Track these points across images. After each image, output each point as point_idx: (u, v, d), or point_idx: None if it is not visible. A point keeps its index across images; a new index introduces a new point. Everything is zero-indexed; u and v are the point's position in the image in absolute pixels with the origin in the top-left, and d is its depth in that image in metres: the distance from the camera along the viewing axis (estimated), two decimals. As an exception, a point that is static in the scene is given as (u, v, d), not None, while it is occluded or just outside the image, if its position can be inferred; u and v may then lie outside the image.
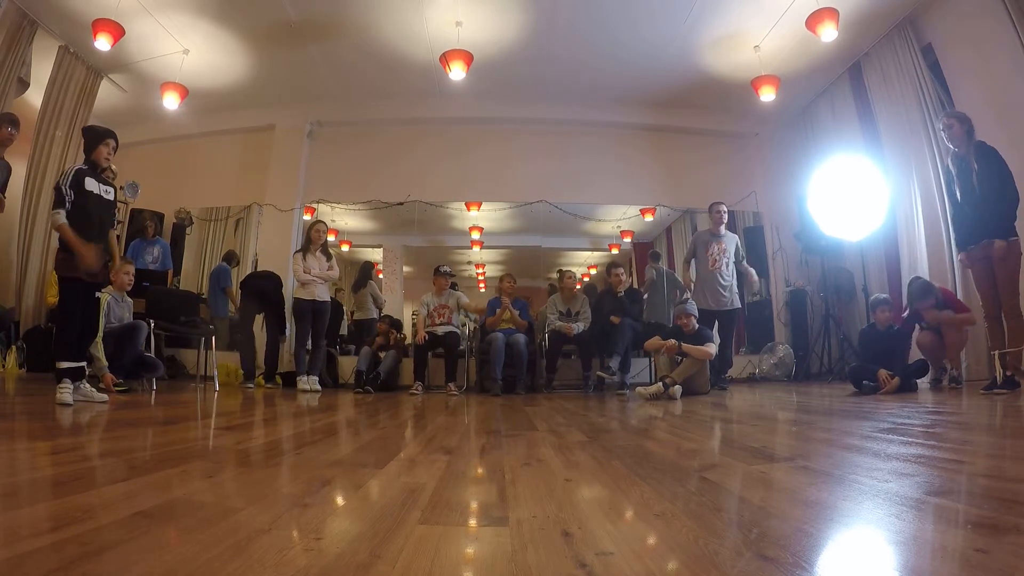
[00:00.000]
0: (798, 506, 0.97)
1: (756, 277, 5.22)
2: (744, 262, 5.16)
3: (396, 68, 6.07)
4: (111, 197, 3.16)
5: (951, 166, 3.58)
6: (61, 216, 2.90)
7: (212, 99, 6.51)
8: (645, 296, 6.15)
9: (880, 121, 5.49)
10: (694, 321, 4.39)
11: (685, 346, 4.16)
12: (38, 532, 0.78)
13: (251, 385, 5.27)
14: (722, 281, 5.00)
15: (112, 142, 3.13)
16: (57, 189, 2.97)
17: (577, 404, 3.71)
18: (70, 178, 2.96)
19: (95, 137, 3.12)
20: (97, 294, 3.15)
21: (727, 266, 5.04)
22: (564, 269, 5.58)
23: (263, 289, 5.46)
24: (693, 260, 5.22)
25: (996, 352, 3.30)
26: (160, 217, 6.68)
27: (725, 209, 5.11)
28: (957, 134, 3.44)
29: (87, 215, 2.98)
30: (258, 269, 6.28)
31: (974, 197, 3.37)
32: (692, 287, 5.20)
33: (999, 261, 3.26)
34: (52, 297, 5.13)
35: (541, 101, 6.72)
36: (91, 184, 3.02)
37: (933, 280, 4.33)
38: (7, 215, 5.13)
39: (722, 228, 5.10)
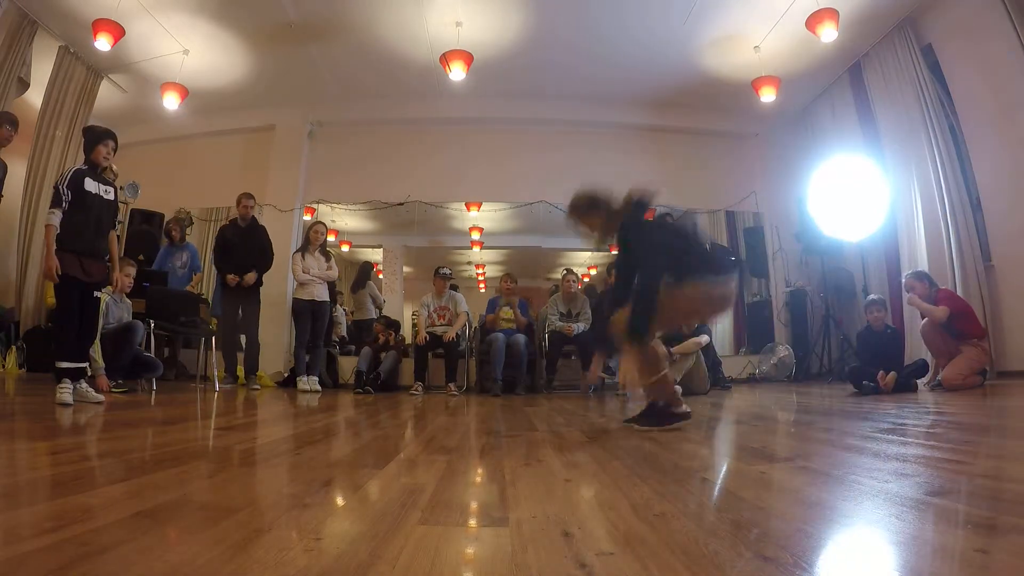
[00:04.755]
0: (798, 506, 0.97)
1: None
2: None
3: (396, 68, 6.07)
4: (111, 197, 3.16)
5: None
6: (53, 217, 2.92)
7: (212, 99, 6.51)
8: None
9: (880, 121, 5.48)
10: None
11: (675, 349, 4.24)
12: (38, 532, 0.78)
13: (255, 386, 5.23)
14: None
15: (111, 142, 3.15)
16: (55, 189, 2.99)
17: (577, 404, 3.72)
18: (68, 178, 2.98)
19: (94, 137, 3.14)
20: (97, 294, 3.15)
21: None
22: (571, 269, 5.55)
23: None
24: None
25: None
26: (160, 218, 6.67)
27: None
28: None
29: (85, 214, 3.00)
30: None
31: None
32: None
33: None
34: (51, 297, 5.10)
35: (541, 101, 6.72)
36: (90, 184, 3.04)
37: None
38: (7, 216, 5.15)
39: None
